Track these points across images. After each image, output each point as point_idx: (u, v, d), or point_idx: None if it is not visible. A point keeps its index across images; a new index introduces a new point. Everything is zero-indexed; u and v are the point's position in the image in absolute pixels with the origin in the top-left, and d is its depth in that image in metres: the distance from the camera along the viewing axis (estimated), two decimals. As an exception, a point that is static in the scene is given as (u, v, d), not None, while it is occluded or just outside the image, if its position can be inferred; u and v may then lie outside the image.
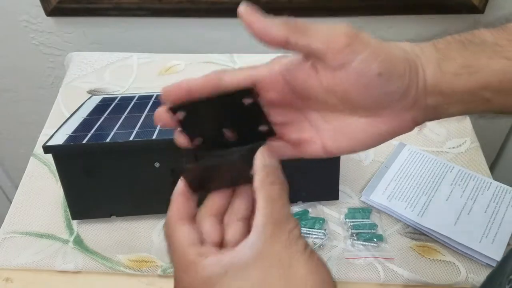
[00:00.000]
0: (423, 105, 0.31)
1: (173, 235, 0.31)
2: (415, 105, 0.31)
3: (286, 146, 0.34)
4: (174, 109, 0.32)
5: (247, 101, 0.31)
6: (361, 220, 0.61)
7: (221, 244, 0.32)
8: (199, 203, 0.34)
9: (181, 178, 0.33)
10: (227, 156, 0.33)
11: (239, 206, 0.33)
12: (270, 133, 0.33)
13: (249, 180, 0.31)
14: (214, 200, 0.33)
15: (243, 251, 0.29)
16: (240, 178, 0.33)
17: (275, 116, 0.33)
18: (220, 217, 0.33)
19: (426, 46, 0.32)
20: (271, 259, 0.29)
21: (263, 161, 0.31)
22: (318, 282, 0.29)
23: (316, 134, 0.33)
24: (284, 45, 0.30)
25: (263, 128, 0.33)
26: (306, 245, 0.30)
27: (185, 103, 0.31)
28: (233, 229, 0.32)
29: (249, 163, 0.31)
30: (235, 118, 0.32)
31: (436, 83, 0.31)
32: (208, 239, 0.32)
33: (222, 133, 0.33)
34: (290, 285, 0.28)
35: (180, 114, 0.32)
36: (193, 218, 0.33)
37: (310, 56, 0.31)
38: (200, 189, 0.33)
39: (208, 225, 0.32)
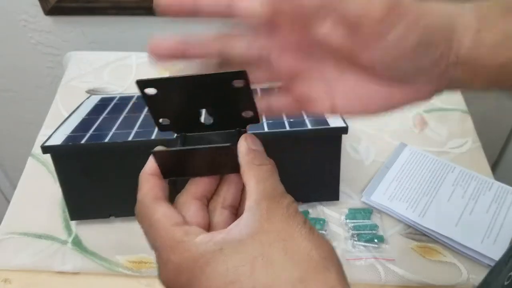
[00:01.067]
0: (449, 78, 0.29)
1: (153, 215, 0.29)
2: (441, 77, 0.29)
3: (288, 99, 0.31)
4: (142, 84, 0.28)
5: (238, 83, 0.28)
6: (361, 220, 0.60)
7: (208, 231, 0.30)
8: (176, 192, 0.31)
9: (151, 160, 0.30)
10: (205, 140, 0.31)
11: (225, 194, 0.31)
12: (254, 120, 0.31)
13: (232, 168, 0.30)
14: (198, 185, 0.31)
15: (237, 229, 0.27)
16: (221, 166, 0.30)
17: (287, 60, 0.30)
18: (205, 202, 0.31)
19: (468, 11, 0.29)
20: (270, 233, 0.26)
21: (247, 145, 0.30)
22: (323, 254, 0.27)
23: (328, 91, 0.31)
24: (318, 9, 0.26)
25: (247, 114, 0.30)
26: (306, 219, 0.28)
27: (160, 79, 0.28)
28: (218, 216, 0.30)
29: (230, 150, 0.29)
30: (217, 100, 0.30)
31: (469, 56, 0.29)
32: (191, 223, 0.29)
33: (197, 114, 0.31)
34: (293, 258, 0.26)
35: (150, 90, 0.29)
36: (169, 200, 0.30)
37: (343, 25, 0.27)
38: (173, 175, 0.31)
39: (192, 209, 0.30)
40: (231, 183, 0.31)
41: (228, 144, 0.28)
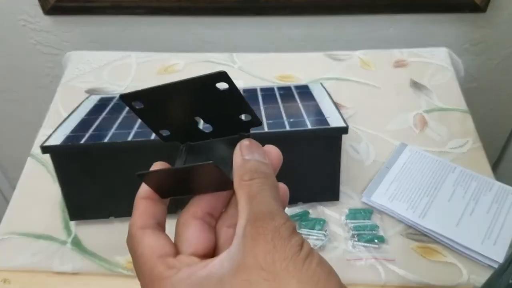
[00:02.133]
0: None
1: (138, 245, 0.27)
2: None
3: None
4: (127, 98, 0.27)
5: (222, 85, 0.26)
6: (362, 221, 0.60)
7: (213, 253, 0.28)
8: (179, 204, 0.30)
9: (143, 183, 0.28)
10: (207, 149, 0.29)
11: (232, 211, 0.28)
12: (254, 123, 0.29)
13: (227, 184, 0.27)
14: (198, 203, 0.28)
15: (221, 263, 0.24)
16: (215, 183, 0.28)
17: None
18: (209, 221, 0.28)
19: None
20: (252, 270, 0.23)
21: (240, 156, 0.27)
22: None
23: None
24: None
25: (245, 117, 0.28)
26: (301, 245, 0.23)
27: (142, 91, 0.27)
28: (223, 236, 0.28)
29: (215, 168, 0.26)
30: (209, 106, 0.28)
31: None
32: (190, 246, 0.27)
33: (194, 122, 0.29)
34: None
35: (137, 104, 0.28)
36: (160, 225, 0.28)
37: None
38: (170, 194, 0.29)
39: (191, 230, 0.27)
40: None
41: (210, 162, 0.26)
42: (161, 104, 0.28)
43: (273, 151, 0.29)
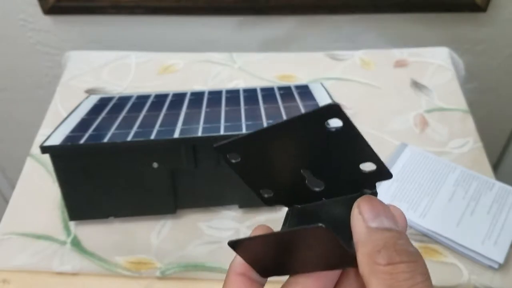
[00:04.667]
0: None
1: None
2: None
3: None
4: (221, 149, 0.23)
5: (334, 123, 0.20)
6: (362, 221, 0.60)
7: None
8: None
9: (236, 255, 0.23)
10: (322, 213, 0.23)
11: None
12: (382, 174, 0.22)
13: (346, 260, 0.21)
14: (307, 280, 0.22)
15: None
16: (330, 257, 0.21)
17: None
18: None
19: None
20: None
21: (363, 223, 0.20)
22: None
23: None
24: None
25: (367, 166, 0.22)
26: None
27: (238, 139, 0.22)
28: None
29: (327, 233, 0.20)
30: (318, 155, 0.22)
31: None
32: None
33: (302, 178, 0.23)
34: None
35: (233, 156, 0.23)
36: None
37: None
38: (271, 272, 0.23)
39: None
40: (355, 278, 0.22)
41: (319, 225, 0.19)
42: (261, 154, 0.23)
43: (396, 212, 0.22)
